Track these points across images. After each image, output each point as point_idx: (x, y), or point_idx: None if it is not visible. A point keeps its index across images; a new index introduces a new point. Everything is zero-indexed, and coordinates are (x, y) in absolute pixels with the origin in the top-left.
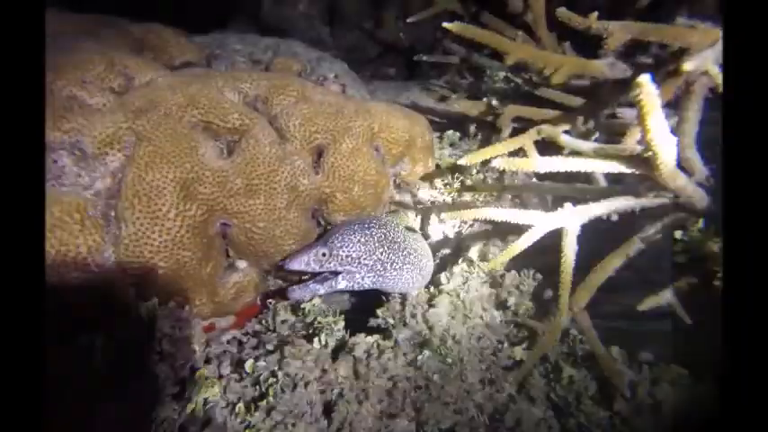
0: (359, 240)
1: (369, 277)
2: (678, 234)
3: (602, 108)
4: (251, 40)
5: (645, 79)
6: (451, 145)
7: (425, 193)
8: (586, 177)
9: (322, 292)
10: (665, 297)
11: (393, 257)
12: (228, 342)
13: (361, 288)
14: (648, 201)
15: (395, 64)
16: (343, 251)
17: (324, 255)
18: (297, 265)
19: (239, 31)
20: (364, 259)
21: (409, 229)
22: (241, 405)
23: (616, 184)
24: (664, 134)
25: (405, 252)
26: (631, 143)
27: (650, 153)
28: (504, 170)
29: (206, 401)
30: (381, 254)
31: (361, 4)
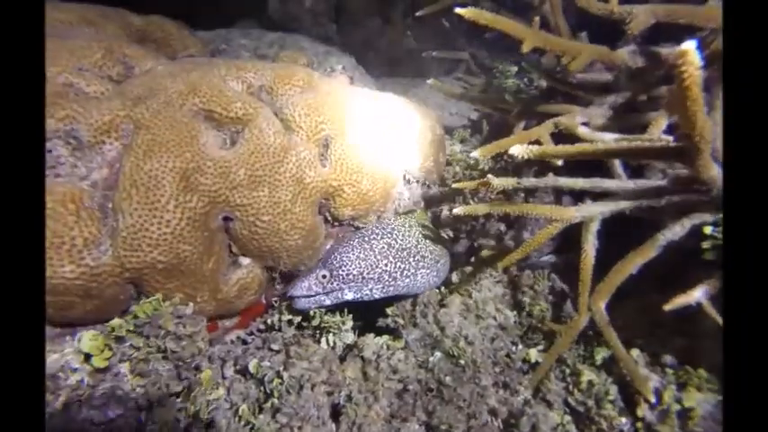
0: (357, 257)
1: (377, 289)
2: (708, 230)
3: (621, 101)
4: (256, 35)
5: (690, 47)
6: (462, 141)
7: (436, 189)
8: (606, 171)
9: (328, 303)
10: (695, 296)
11: (402, 266)
12: (232, 342)
13: (372, 299)
14: (676, 195)
15: (403, 62)
16: (343, 270)
17: (324, 276)
18: (299, 291)
19: (245, 28)
20: (367, 274)
21: (425, 227)
22: (245, 407)
23: (638, 178)
24: (703, 115)
25: (417, 257)
26: (656, 133)
27: (686, 137)
28: (520, 157)
29: (209, 403)
30: (386, 265)
31: (368, 1)
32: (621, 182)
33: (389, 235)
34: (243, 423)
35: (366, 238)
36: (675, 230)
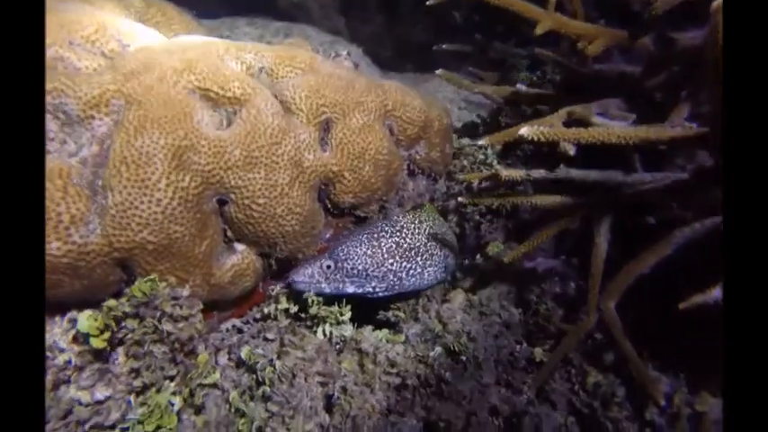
0: (365, 253)
1: (381, 288)
2: None
3: (639, 93)
4: (261, 24)
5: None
6: (471, 135)
7: (442, 182)
8: (620, 163)
9: (327, 291)
10: (712, 295)
11: (408, 265)
12: (227, 330)
13: (374, 296)
14: (697, 189)
15: (412, 55)
16: (348, 263)
17: (329, 267)
18: (301, 277)
19: (251, 17)
20: (372, 271)
21: (434, 222)
22: (235, 394)
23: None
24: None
25: (425, 256)
26: (679, 121)
27: (714, 118)
28: (529, 139)
29: (203, 386)
30: (392, 264)
31: None
32: (637, 175)
33: (399, 233)
34: (233, 410)
35: (375, 235)
36: (694, 227)
